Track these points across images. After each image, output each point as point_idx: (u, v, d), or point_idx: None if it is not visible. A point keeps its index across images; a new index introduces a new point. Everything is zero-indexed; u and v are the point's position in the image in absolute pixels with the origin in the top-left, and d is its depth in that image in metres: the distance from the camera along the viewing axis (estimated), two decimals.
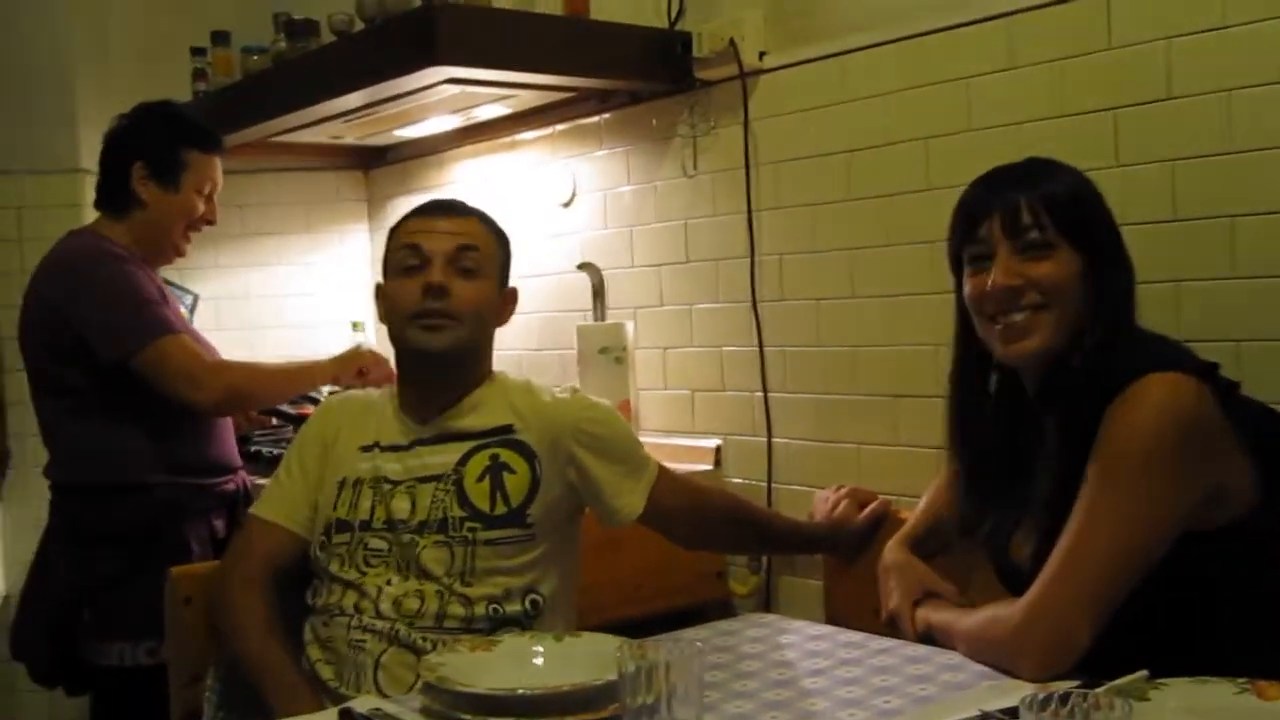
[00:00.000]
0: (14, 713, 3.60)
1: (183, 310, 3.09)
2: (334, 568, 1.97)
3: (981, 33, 2.36)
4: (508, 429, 2.03)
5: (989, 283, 1.69)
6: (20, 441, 3.66)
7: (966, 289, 1.76)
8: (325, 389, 2.99)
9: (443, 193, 3.74)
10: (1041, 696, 1.18)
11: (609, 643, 1.56)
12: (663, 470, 2.09)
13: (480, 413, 2.05)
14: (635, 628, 1.68)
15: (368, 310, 4.08)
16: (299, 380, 2.89)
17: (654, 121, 3.03)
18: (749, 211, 2.80)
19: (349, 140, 3.75)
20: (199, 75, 3.61)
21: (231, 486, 2.77)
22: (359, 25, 2.94)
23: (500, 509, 1.97)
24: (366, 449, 2.05)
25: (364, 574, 1.95)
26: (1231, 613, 1.60)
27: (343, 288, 4.18)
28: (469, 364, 2.07)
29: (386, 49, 2.81)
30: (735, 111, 2.82)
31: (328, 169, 4.16)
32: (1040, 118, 2.27)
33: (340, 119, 3.30)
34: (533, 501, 1.98)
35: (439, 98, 3.02)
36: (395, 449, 2.04)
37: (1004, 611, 1.62)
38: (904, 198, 2.50)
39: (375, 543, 1.96)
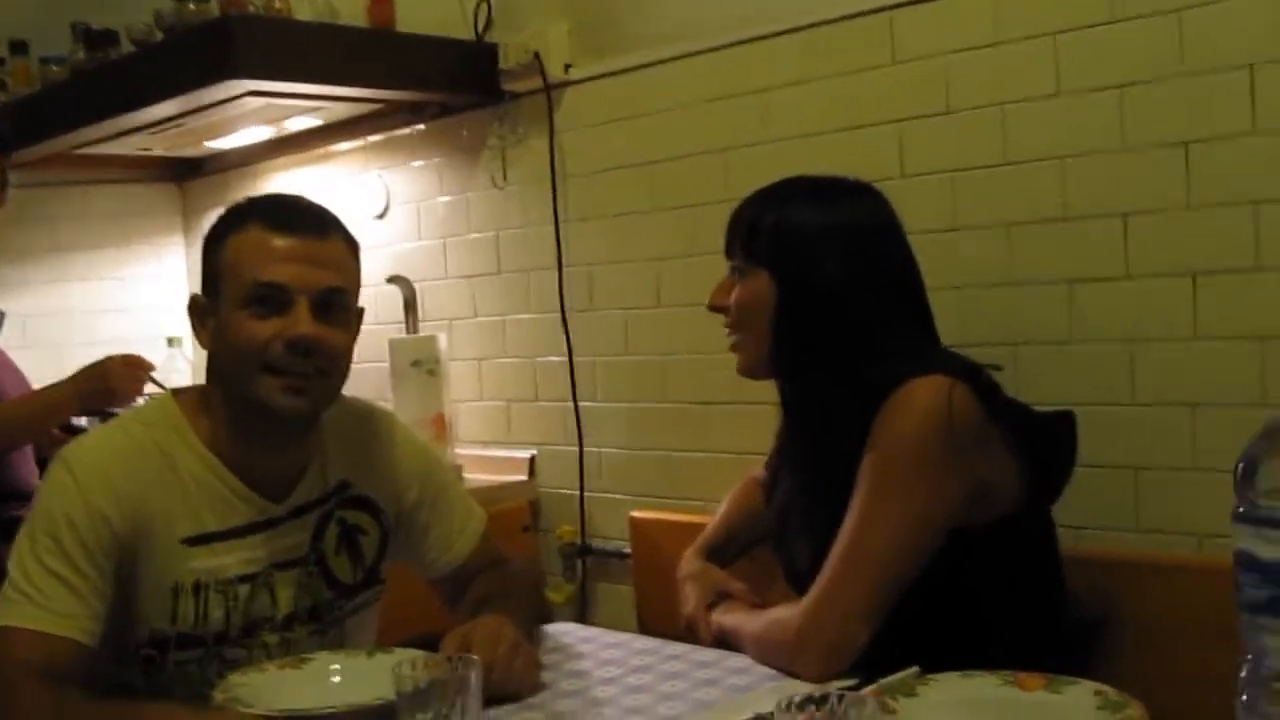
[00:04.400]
0: None
1: None
2: (179, 687, 1.64)
3: (776, 46, 2.41)
4: (345, 485, 1.77)
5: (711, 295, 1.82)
6: None
7: None
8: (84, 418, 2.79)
9: None
10: (798, 698, 1.20)
11: (414, 658, 1.55)
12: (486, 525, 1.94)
13: (317, 471, 1.75)
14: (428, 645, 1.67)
15: (185, 326, 3.99)
16: (44, 412, 2.64)
17: (464, 133, 3.03)
18: (556, 222, 2.81)
19: (159, 152, 3.66)
20: None
21: (24, 514, 2.66)
22: (158, 36, 2.87)
23: (358, 575, 1.79)
24: (195, 541, 1.63)
25: (215, 685, 1.59)
26: (998, 608, 1.66)
27: (159, 303, 4.07)
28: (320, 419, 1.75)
29: (186, 61, 2.75)
30: (542, 123, 2.83)
31: (140, 181, 4.05)
32: (833, 130, 2.32)
33: (145, 131, 3.21)
34: (384, 556, 1.82)
35: (244, 110, 2.96)
36: (239, 534, 1.66)
37: (786, 614, 1.66)
38: (706, 208, 2.53)
39: (233, 653, 1.67)
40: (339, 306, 1.65)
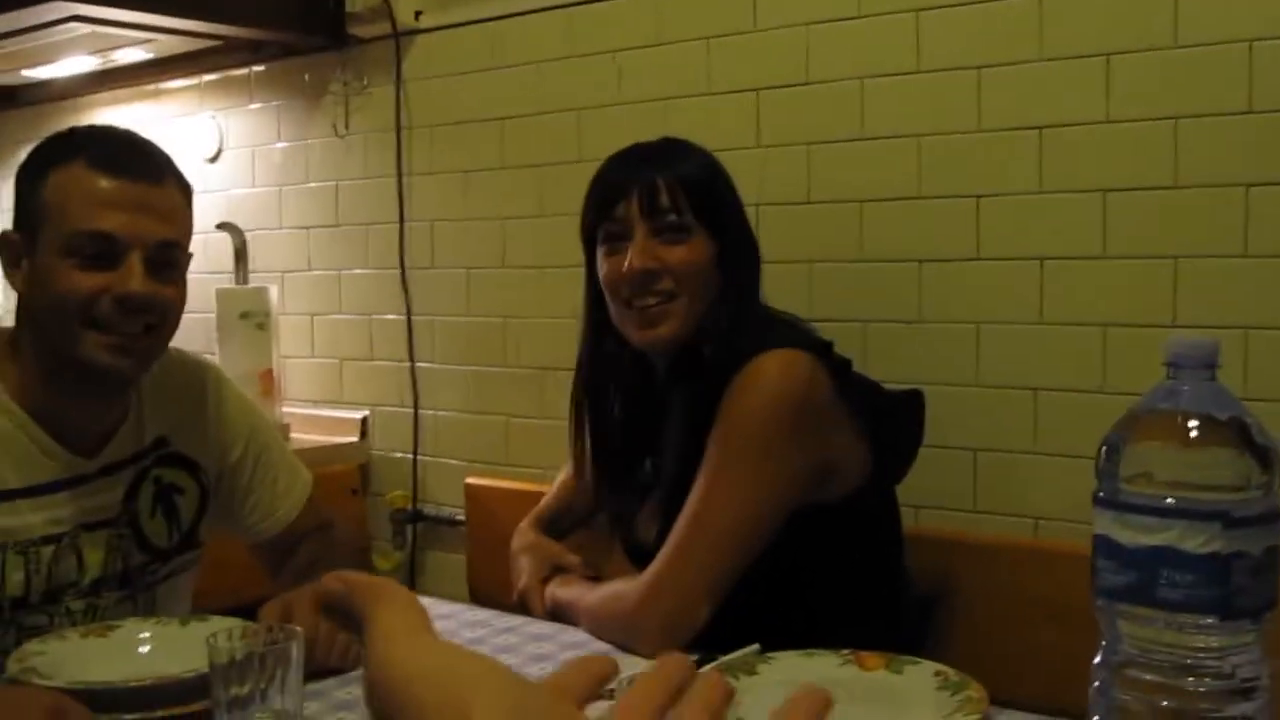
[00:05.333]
0: None
1: None
2: None
3: (634, 6, 2.35)
4: (163, 442, 1.66)
5: (625, 265, 1.65)
6: None
7: (603, 270, 1.71)
8: None
9: None
10: (626, 676, 1.16)
11: (231, 628, 1.45)
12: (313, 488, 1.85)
13: (132, 426, 1.64)
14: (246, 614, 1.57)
15: None
16: None
17: (306, 77, 2.90)
18: (399, 175, 2.72)
19: None
20: None
21: None
22: None
23: (174, 538, 1.68)
24: None
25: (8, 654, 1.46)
26: (839, 586, 1.65)
27: None
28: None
29: None
30: (388, 71, 2.73)
31: None
32: (688, 94, 2.28)
33: None
34: (203, 518, 1.72)
35: (69, 36, 2.77)
36: (43, 491, 1.55)
37: (625, 587, 1.61)
38: (556, 168, 2.48)
39: (33, 619, 1.54)
40: (172, 261, 1.53)
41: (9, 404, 1.54)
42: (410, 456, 2.74)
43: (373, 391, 2.83)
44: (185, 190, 1.58)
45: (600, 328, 1.77)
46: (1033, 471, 1.94)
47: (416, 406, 2.72)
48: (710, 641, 1.51)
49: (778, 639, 1.43)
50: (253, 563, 1.82)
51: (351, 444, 2.80)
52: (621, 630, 1.58)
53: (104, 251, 1.47)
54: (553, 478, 2.26)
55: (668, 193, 1.65)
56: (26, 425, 1.54)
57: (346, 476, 2.75)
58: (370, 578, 0.73)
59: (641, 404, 1.77)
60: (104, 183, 1.48)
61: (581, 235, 1.76)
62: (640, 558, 1.71)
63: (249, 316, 2.82)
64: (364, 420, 2.82)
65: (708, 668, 1.39)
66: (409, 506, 2.75)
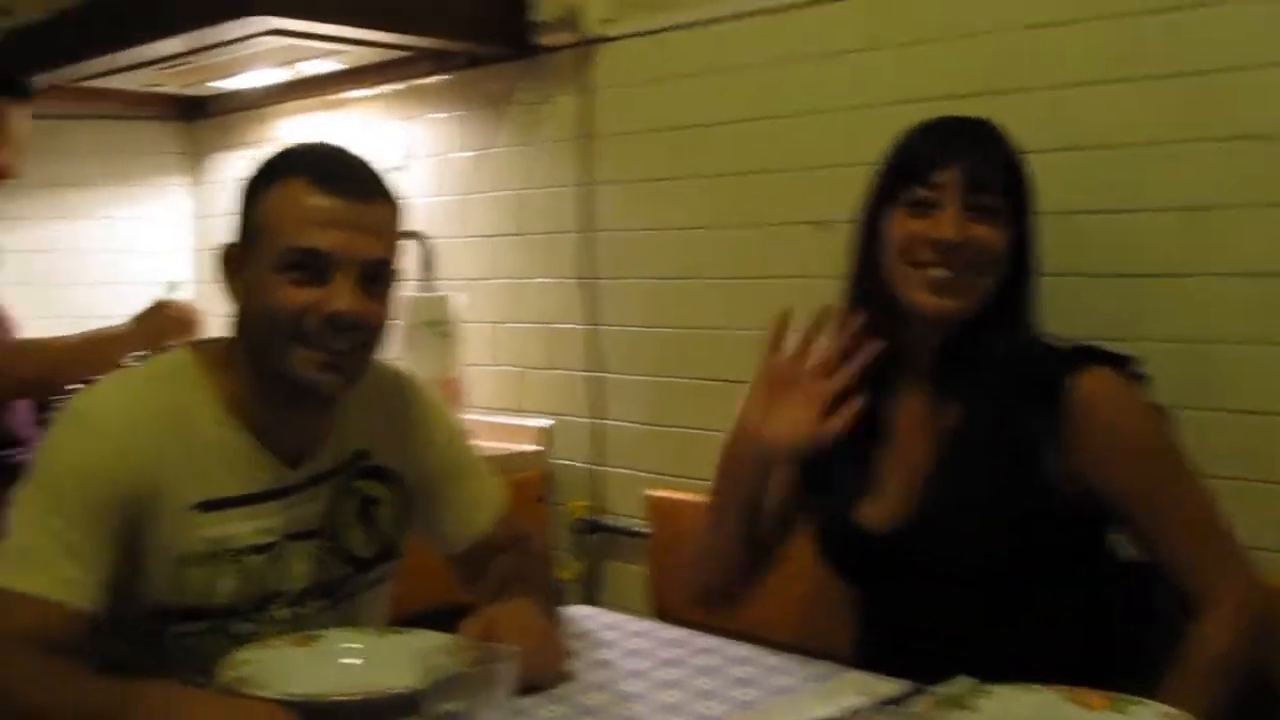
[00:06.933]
0: None
1: None
2: (178, 662, 1.53)
3: (837, 10, 2.30)
4: (364, 455, 1.67)
5: (936, 232, 1.62)
6: None
7: (900, 231, 1.66)
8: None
9: (268, 152, 3.54)
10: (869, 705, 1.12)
11: (434, 642, 1.46)
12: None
13: (336, 438, 1.64)
14: (445, 616, 1.58)
15: (189, 267, 3.88)
16: (101, 357, 2.63)
17: (492, 87, 2.91)
18: (585, 184, 2.71)
19: (168, 89, 3.53)
20: (2, 11, 3.35)
21: (26, 458, 2.57)
22: None
23: (375, 549, 1.69)
24: (208, 506, 1.52)
25: (215, 660, 1.48)
26: (1056, 616, 1.63)
27: (158, 245, 3.95)
28: None
29: None
30: (576, 80, 2.72)
31: (144, 119, 3.91)
32: (890, 101, 2.21)
33: (157, 66, 3.09)
34: (402, 528, 1.73)
35: (262, 49, 2.85)
36: (255, 500, 1.56)
37: (1207, 628, 1.56)
38: (745, 178, 2.44)
39: (240, 627, 1.56)
40: (382, 278, 1.54)
41: (222, 414, 1.56)
42: (590, 466, 2.73)
43: (553, 400, 2.83)
44: (397, 208, 1.59)
45: (869, 294, 1.72)
46: None
47: (599, 417, 2.71)
48: (918, 672, 1.46)
49: (990, 670, 1.38)
50: (436, 568, 1.82)
51: (533, 452, 2.80)
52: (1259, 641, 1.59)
53: (315, 268, 1.48)
54: None
55: (991, 172, 1.64)
56: (239, 435, 1.56)
57: (530, 485, 2.75)
58: None
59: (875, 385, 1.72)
60: (318, 200, 1.49)
61: (873, 195, 1.71)
62: (853, 546, 1.71)
63: (434, 324, 2.84)
64: (544, 429, 2.82)
65: (922, 700, 1.34)
66: (589, 517, 2.74)
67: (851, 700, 1.42)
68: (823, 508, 1.76)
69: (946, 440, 1.65)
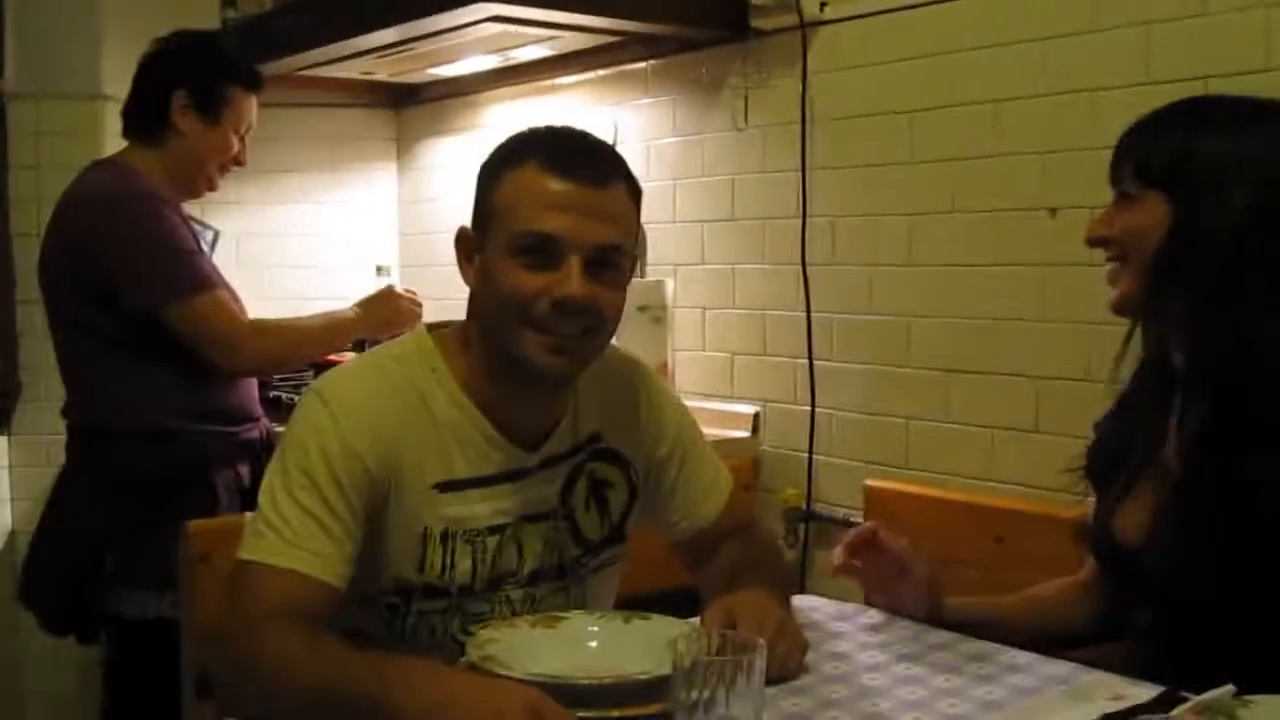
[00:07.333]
0: (18, 654, 3.51)
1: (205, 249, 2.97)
2: (420, 638, 1.58)
3: None
4: (596, 438, 1.68)
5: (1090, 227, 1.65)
6: (31, 374, 3.55)
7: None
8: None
9: (476, 138, 3.61)
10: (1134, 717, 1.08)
11: (675, 628, 1.45)
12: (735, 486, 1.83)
13: (570, 422, 1.66)
14: (665, 600, 1.60)
15: (394, 253, 3.98)
16: (333, 338, 2.78)
17: (704, 71, 2.90)
18: (802, 170, 2.67)
19: (381, 77, 3.63)
20: (228, 2, 3.48)
21: (255, 434, 2.67)
22: None
23: (605, 531, 1.69)
24: (446, 487, 1.55)
25: (459, 642, 1.54)
26: None
27: (368, 229, 4.06)
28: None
29: None
30: (792, 64, 2.69)
31: (356, 106, 4.02)
32: (1123, 84, 2.13)
33: (375, 54, 3.17)
34: (631, 512, 1.72)
35: (479, 36, 2.89)
36: (490, 482, 1.58)
37: None
38: (969, 163, 2.38)
39: (476, 606, 1.59)
40: (613, 264, 1.53)
41: (460, 396, 1.58)
42: (802, 454, 2.70)
43: (764, 387, 2.81)
44: (634, 191, 1.57)
45: None
46: None
47: (814, 404, 2.68)
48: (1178, 678, 1.40)
49: (1253, 680, 1.31)
50: (653, 553, 1.82)
51: (743, 439, 2.79)
52: None
53: (545, 252, 1.48)
54: (958, 484, 2.18)
55: (1124, 156, 1.60)
56: (476, 418, 1.57)
57: (740, 472, 2.71)
58: None
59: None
60: (552, 185, 1.49)
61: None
62: (1114, 558, 1.65)
63: (646, 309, 2.85)
64: (755, 416, 2.81)
65: (1181, 709, 1.29)
66: (802, 505, 2.71)
67: (1104, 704, 1.37)
68: (1098, 499, 1.72)
69: (1191, 458, 1.57)
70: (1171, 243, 1.54)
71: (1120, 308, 1.62)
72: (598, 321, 1.53)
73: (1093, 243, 1.63)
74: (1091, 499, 1.75)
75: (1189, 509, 1.55)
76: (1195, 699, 1.30)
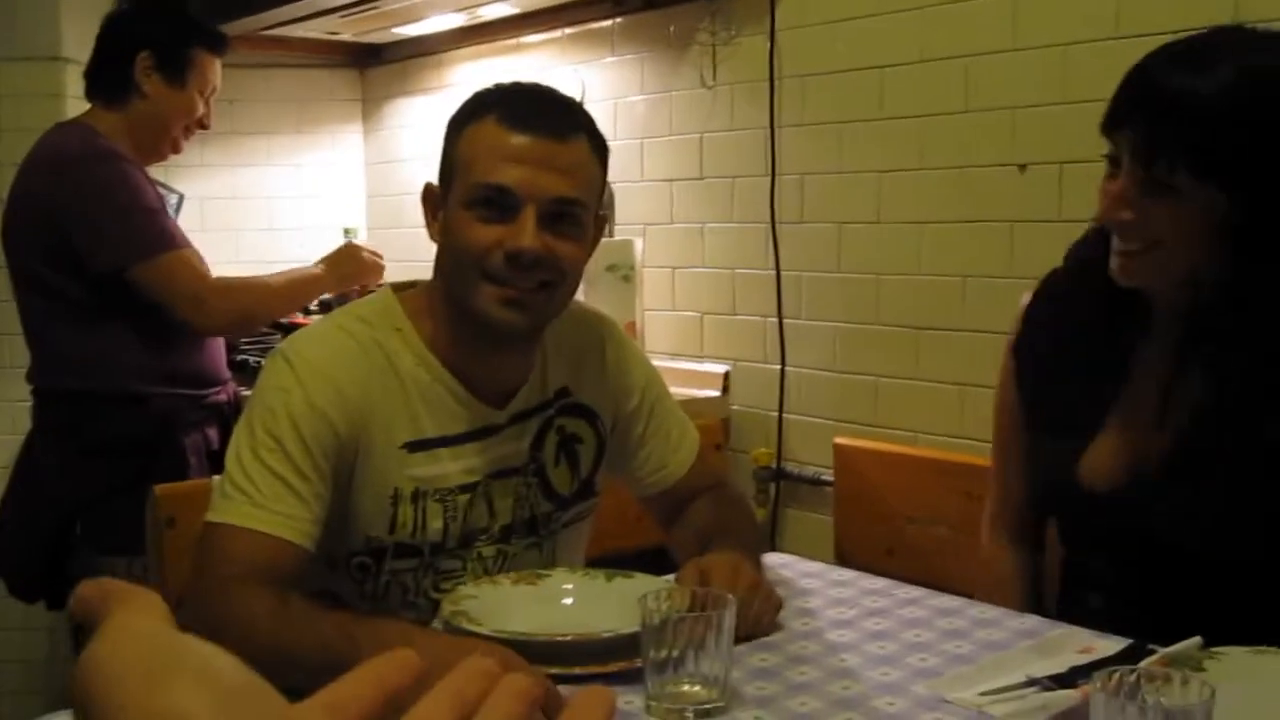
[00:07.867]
0: None
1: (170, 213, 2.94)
2: (392, 597, 1.58)
3: None
4: (564, 392, 1.68)
5: (1104, 204, 1.49)
6: None
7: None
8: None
9: (441, 97, 3.58)
10: (1102, 669, 1.08)
11: (653, 586, 1.46)
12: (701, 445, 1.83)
13: (538, 377, 1.66)
14: (636, 559, 1.60)
15: (361, 215, 3.95)
16: (301, 295, 2.78)
17: (671, 28, 2.88)
18: (771, 127, 2.66)
19: (345, 37, 3.59)
20: None
21: (222, 397, 2.65)
22: None
23: (575, 486, 1.70)
24: (415, 446, 1.55)
25: (432, 600, 1.56)
26: None
27: (335, 190, 4.03)
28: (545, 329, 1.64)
29: None
30: (760, 20, 2.67)
31: (321, 66, 3.98)
32: (1093, 39, 2.12)
33: (339, 13, 3.14)
34: (599, 466, 1.72)
35: None
36: (459, 441, 1.57)
37: None
38: (939, 119, 2.37)
39: (448, 564, 1.59)
40: (569, 217, 1.52)
41: (427, 355, 1.57)
42: (772, 413, 2.70)
43: (734, 346, 2.81)
44: (597, 146, 1.56)
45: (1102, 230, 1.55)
46: None
47: (784, 362, 2.68)
48: (1147, 632, 1.41)
49: (1219, 632, 1.32)
50: (628, 512, 1.82)
51: (713, 398, 2.78)
52: None
53: (501, 205, 1.48)
54: (928, 441, 2.18)
55: (1161, 142, 1.40)
56: (443, 376, 1.57)
57: (710, 432, 2.72)
58: (124, 585, 0.60)
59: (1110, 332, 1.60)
60: (510, 138, 1.49)
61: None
62: (1070, 499, 1.62)
63: (615, 269, 2.84)
64: (725, 375, 2.80)
65: (1149, 661, 1.29)
66: (772, 464, 2.71)
67: (1073, 657, 1.38)
68: (1043, 449, 1.68)
69: (1186, 413, 1.53)
70: (1249, 236, 1.41)
71: (1139, 284, 1.53)
72: (556, 275, 1.52)
73: (1110, 225, 1.48)
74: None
75: (1200, 458, 1.51)
76: (1163, 651, 1.31)
